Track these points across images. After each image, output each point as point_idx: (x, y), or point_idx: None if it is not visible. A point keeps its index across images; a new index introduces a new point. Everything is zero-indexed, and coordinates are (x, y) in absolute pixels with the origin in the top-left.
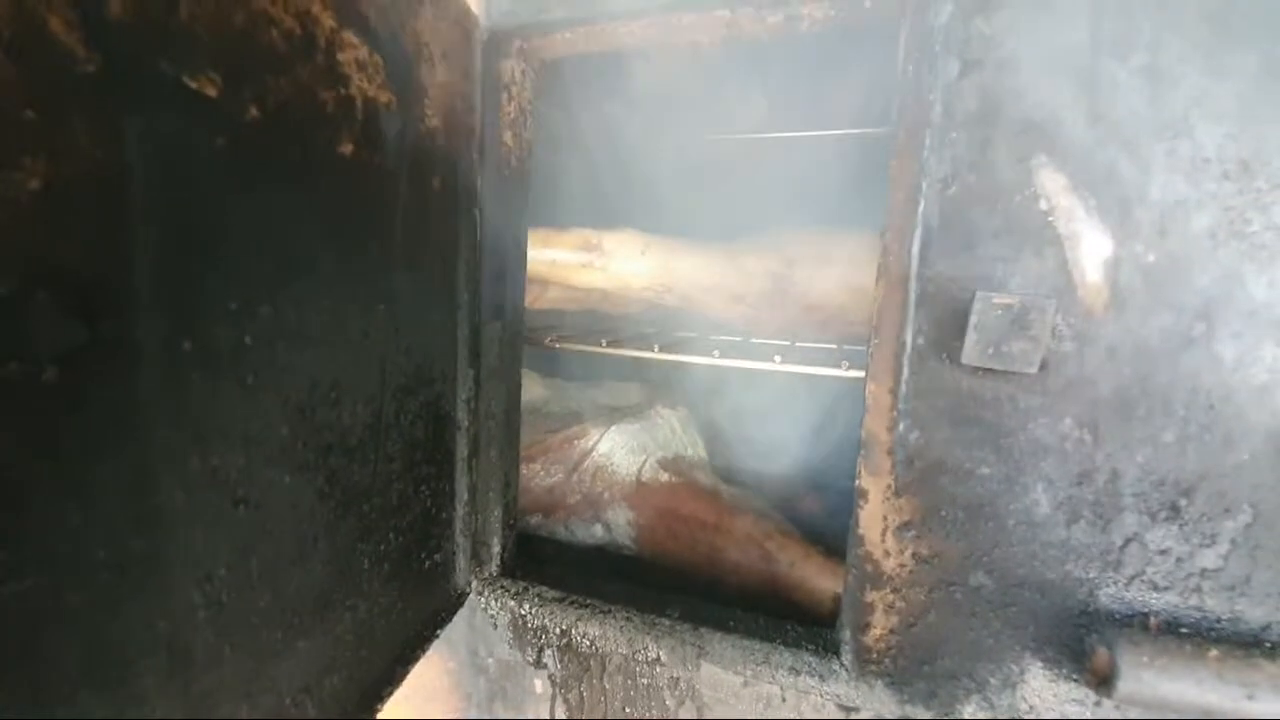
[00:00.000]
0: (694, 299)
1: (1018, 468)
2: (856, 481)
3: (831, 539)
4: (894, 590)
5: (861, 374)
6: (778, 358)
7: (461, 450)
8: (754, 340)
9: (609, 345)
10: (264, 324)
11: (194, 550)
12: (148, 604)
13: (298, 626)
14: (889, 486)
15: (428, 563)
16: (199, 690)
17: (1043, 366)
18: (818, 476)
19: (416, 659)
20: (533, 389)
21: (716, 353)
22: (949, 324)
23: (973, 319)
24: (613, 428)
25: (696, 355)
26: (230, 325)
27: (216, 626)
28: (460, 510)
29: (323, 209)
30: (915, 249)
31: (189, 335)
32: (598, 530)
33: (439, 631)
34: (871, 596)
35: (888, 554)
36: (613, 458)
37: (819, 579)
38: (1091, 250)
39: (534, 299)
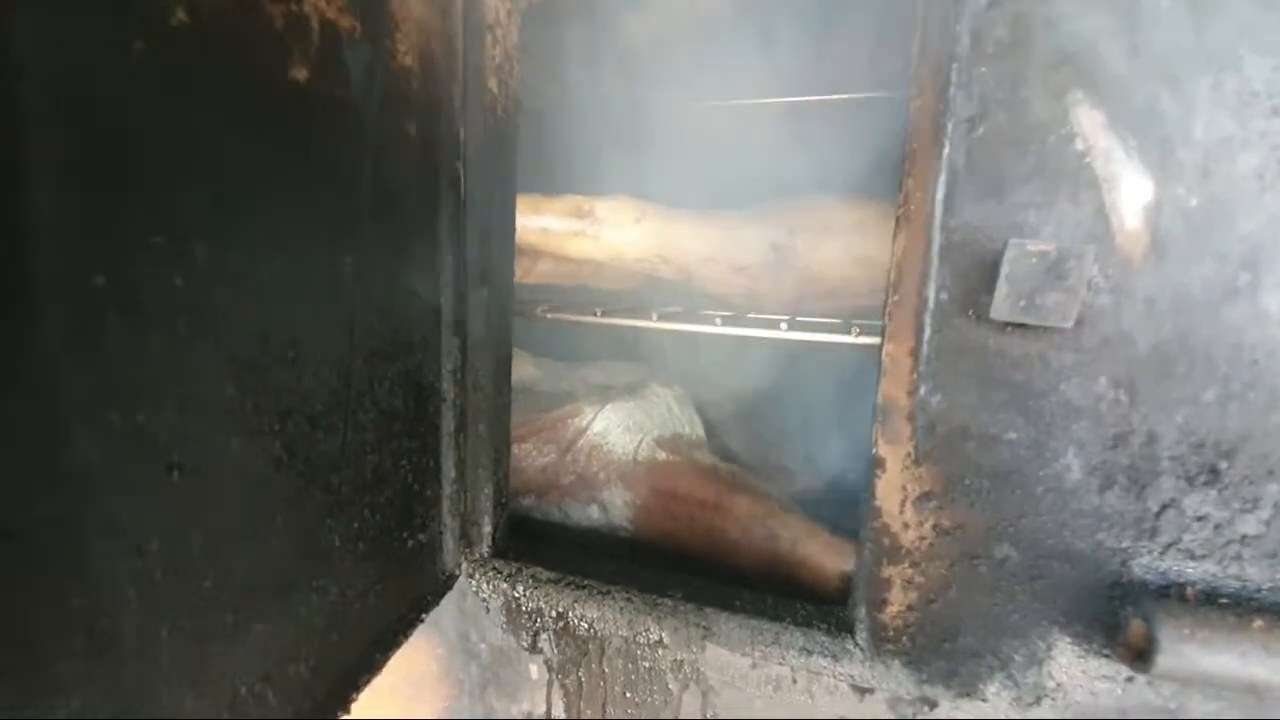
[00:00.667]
0: (692, 270)
1: (1048, 432)
2: (873, 450)
3: (833, 516)
4: (913, 564)
5: (874, 340)
6: (784, 324)
7: (447, 424)
8: (755, 316)
9: (603, 315)
10: (198, 265)
11: (118, 519)
12: (60, 576)
13: (253, 609)
14: (908, 455)
15: (410, 543)
16: (131, 679)
17: (1078, 321)
18: (818, 452)
19: (398, 645)
20: (523, 368)
21: (719, 320)
22: (976, 277)
23: (1004, 269)
24: (607, 406)
25: (697, 324)
26: (155, 262)
27: (149, 607)
28: (447, 488)
29: (272, 141)
30: (939, 195)
31: (101, 269)
32: (594, 511)
33: (424, 616)
34: (889, 571)
35: (906, 526)
36: (608, 437)
37: (824, 557)
38: (1131, 194)
39: (524, 272)
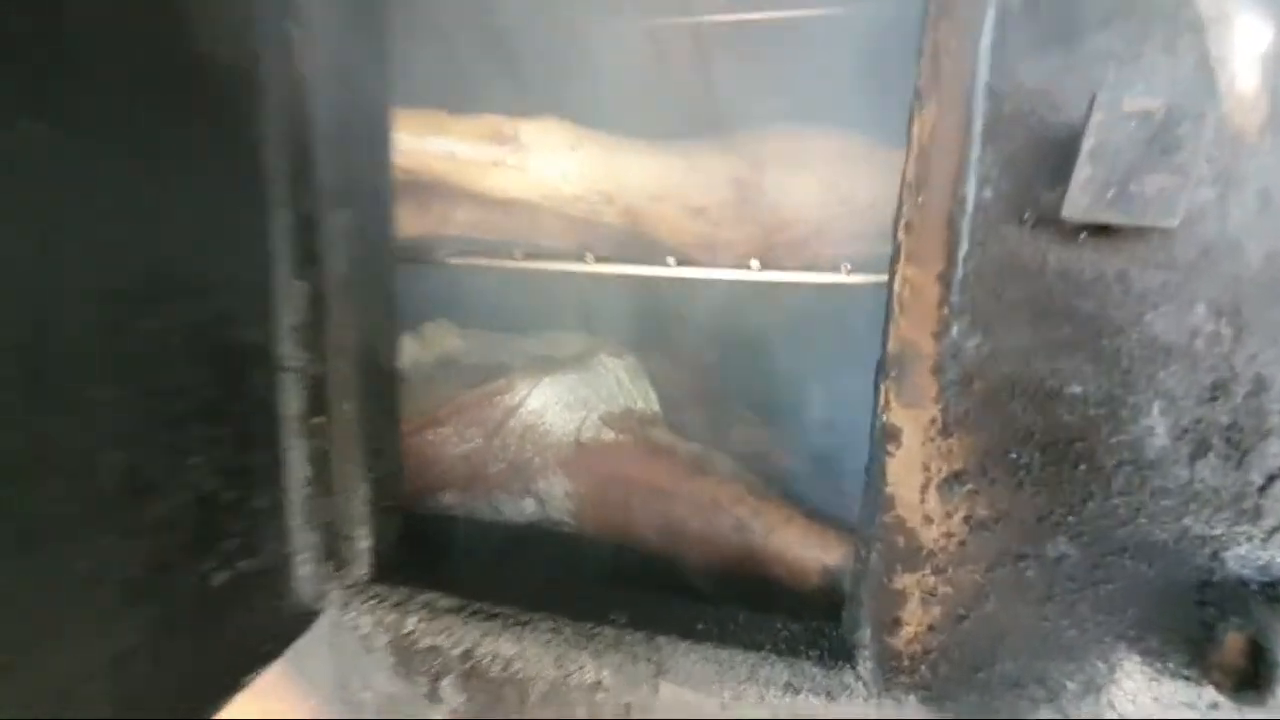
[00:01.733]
0: (641, 213)
1: (1125, 381)
2: (879, 418)
3: (810, 498)
4: (936, 571)
5: (870, 279)
6: (755, 263)
7: (290, 403)
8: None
9: (526, 258)
10: None
11: None
12: None
13: None
14: (933, 421)
15: (220, 576)
16: None
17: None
18: (793, 423)
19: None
20: (446, 339)
21: (672, 260)
22: (1034, 163)
23: (1088, 140)
24: (544, 380)
25: (646, 265)
26: None
27: None
28: (295, 493)
29: None
30: (984, 45)
31: None
32: (528, 505)
33: (251, 677)
34: (904, 581)
35: (929, 520)
36: (545, 416)
37: (802, 548)
38: (1246, 40)
39: (437, 221)
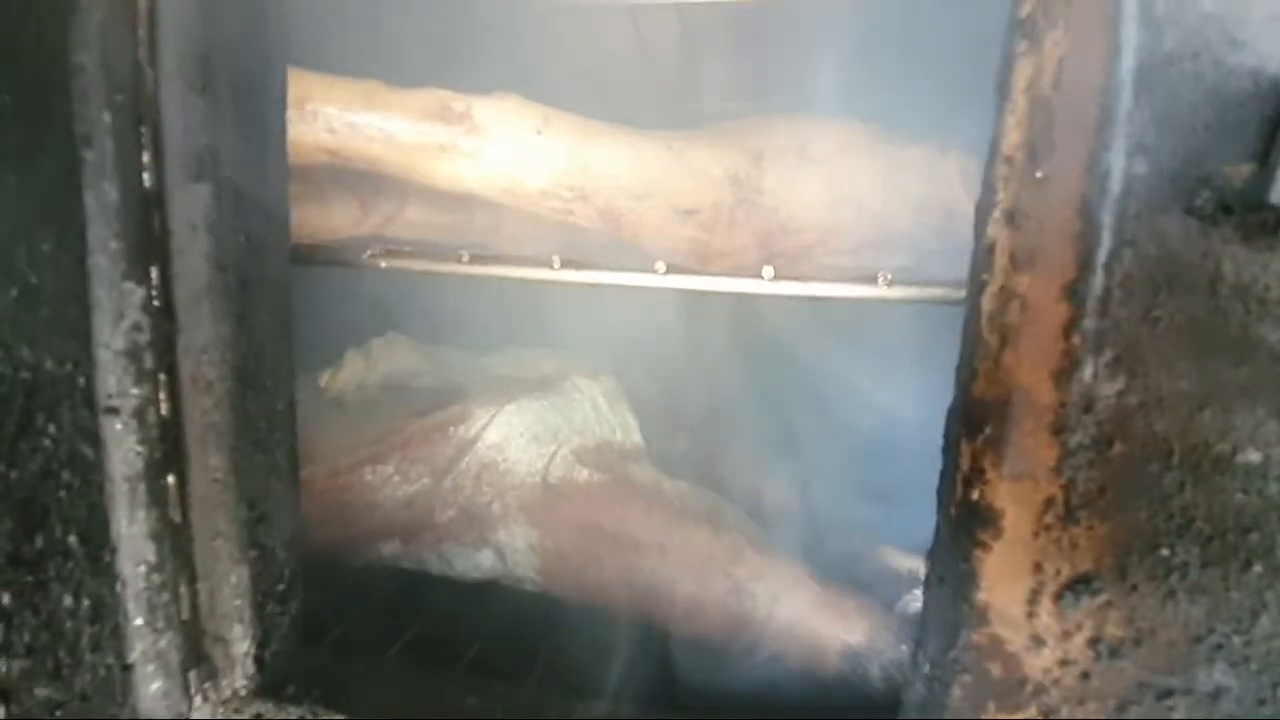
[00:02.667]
0: (620, 214)
1: None
2: (964, 494)
3: (824, 557)
4: (1047, 712)
5: (914, 292)
6: (768, 272)
7: (120, 460)
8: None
9: (473, 261)
10: None
11: None
12: None
13: None
14: (1052, 502)
15: None
16: None
17: None
18: (800, 464)
19: None
20: (399, 357)
21: (661, 267)
22: (1209, 125)
23: None
24: (507, 407)
25: (629, 273)
26: None
27: None
28: (134, 583)
29: None
30: None
31: None
32: (485, 558)
33: None
34: None
35: (1039, 641)
36: (507, 450)
37: (816, 620)
38: None
39: (383, 220)
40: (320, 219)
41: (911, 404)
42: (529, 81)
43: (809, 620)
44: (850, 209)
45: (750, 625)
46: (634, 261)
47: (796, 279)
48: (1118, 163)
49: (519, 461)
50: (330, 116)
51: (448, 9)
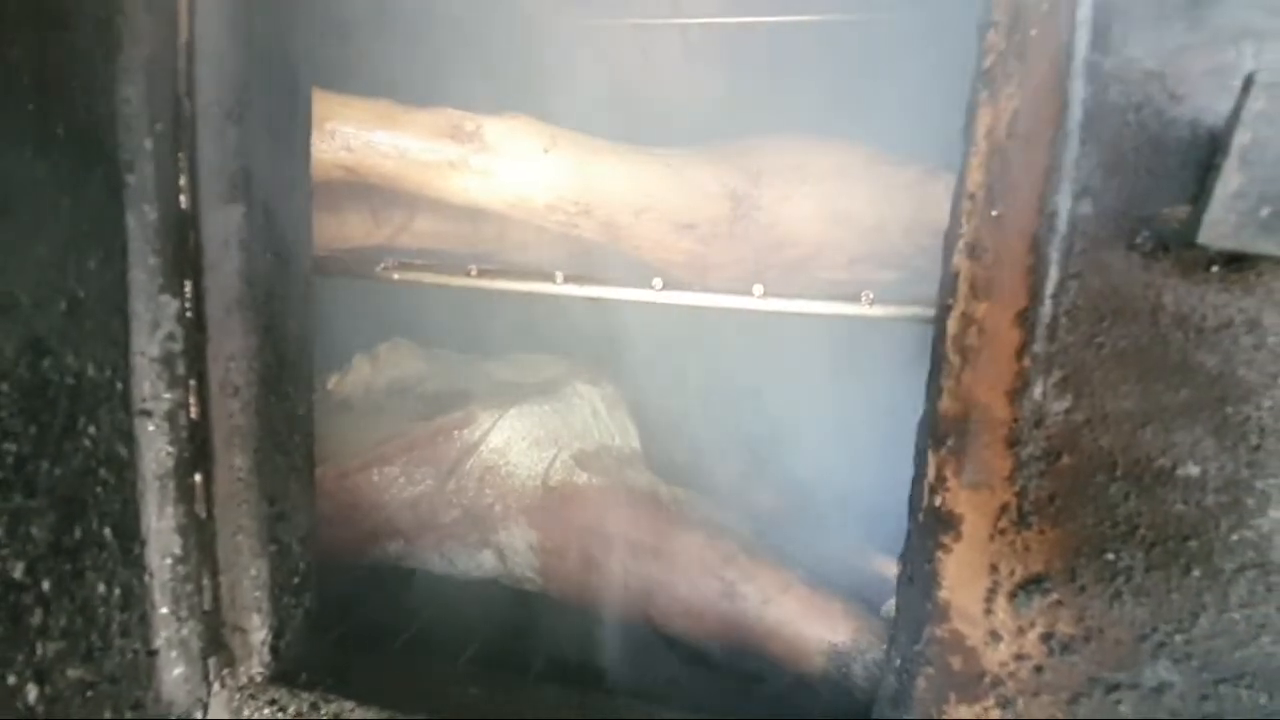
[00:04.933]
0: (622, 228)
1: (1253, 461)
2: (930, 500)
3: (813, 561)
4: (1003, 703)
5: (894, 311)
6: (758, 289)
7: (152, 459)
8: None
9: (481, 275)
10: None
11: None
12: None
13: None
14: (1006, 508)
15: (28, 694)
16: None
17: None
18: (791, 471)
19: None
20: (405, 362)
21: (659, 282)
22: (1149, 168)
23: (1240, 139)
24: (510, 412)
25: (626, 288)
26: None
27: None
28: (161, 574)
29: None
30: (1085, 10)
31: None
32: (486, 558)
33: None
34: (958, 714)
35: (995, 637)
36: (509, 454)
37: (804, 622)
38: None
39: (395, 229)
40: (335, 229)
41: (902, 413)
42: (538, 101)
43: (797, 621)
44: (844, 226)
45: (741, 626)
46: (636, 268)
47: (785, 296)
48: (1065, 204)
49: (520, 465)
50: (348, 135)
51: (462, 30)
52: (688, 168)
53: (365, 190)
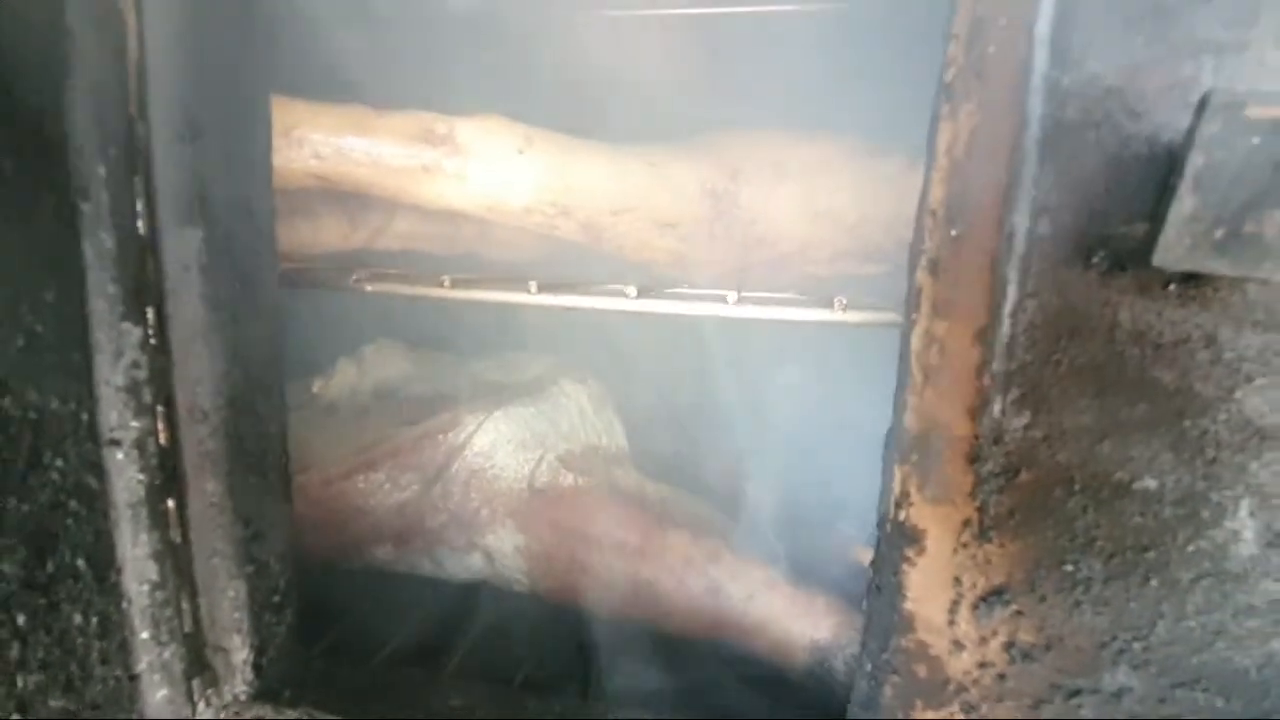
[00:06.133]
0: (602, 228)
1: (1210, 474)
2: (895, 514)
3: (796, 559)
4: (967, 709)
5: (866, 317)
6: (731, 296)
7: (123, 488)
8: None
9: (454, 286)
10: None
11: None
12: None
13: None
14: (968, 523)
15: None
16: None
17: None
18: (766, 460)
19: None
20: (391, 364)
21: (633, 290)
22: (1107, 187)
23: (1194, 161)
24: (496, 414)
25: (599, 297)
26: None
27: None
28: (139, 599)
29: None
30: (1041, 28)
31: None
32: (475, 561)
33: None
34: (925, 719)
35: (959, 646)
36: (495, 457)
37: (788, 618)
38: None
39: (372, 233)
40: (310, 235)
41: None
42: (512, 100)
43: (780, 618)
44: (825, 221)
45: (726, 622)
46: (618, 267)
47: (761, 299)
48: (1023, 223)
49: (506, 467)
50: (317, 142)
51: (430, 29)
52: (666, 165)
53: (340, 194)
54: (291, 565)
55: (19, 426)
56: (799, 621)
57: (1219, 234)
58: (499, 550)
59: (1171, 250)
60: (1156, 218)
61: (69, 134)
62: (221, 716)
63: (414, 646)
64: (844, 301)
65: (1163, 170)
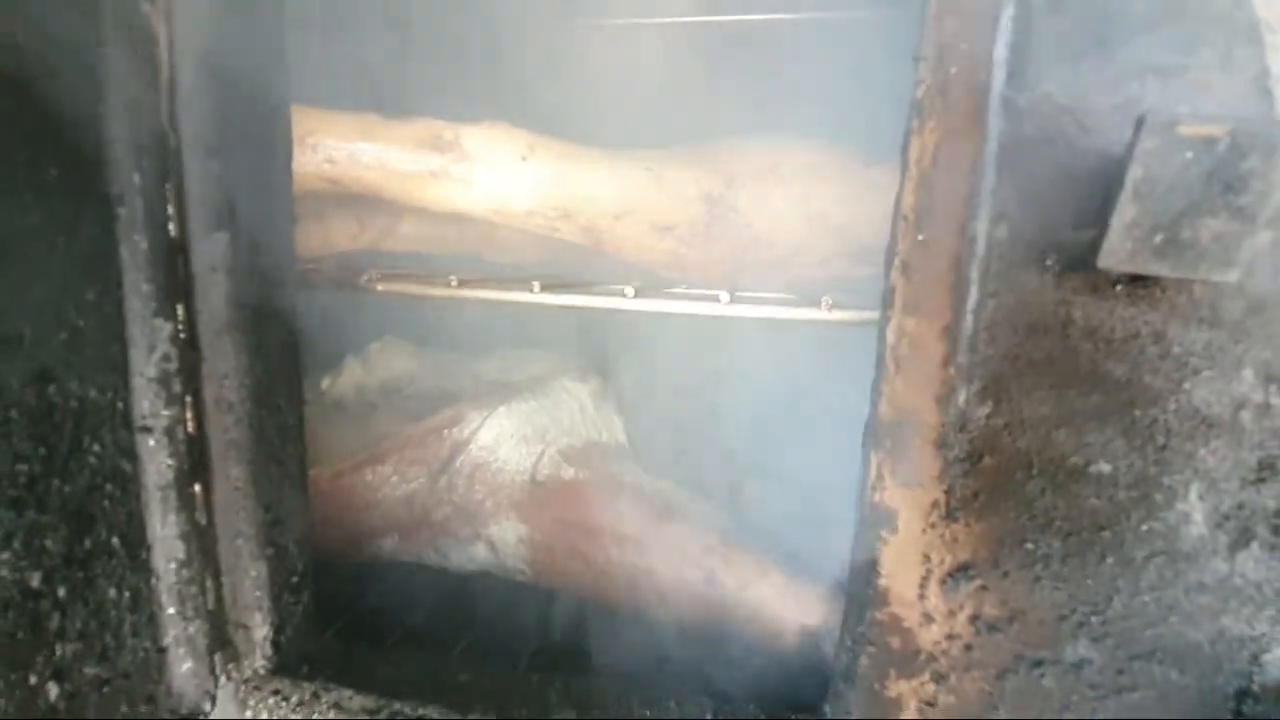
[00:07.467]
0: (602, 231)
1: (1160, 460)
2: (871, 497)
3: (788, 549)
4: (937, 678)
5: (858, 315)
6: (724, 296)
7: (154, 472)
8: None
9: (461, 285)
10: None
11: None
12: None
13: None
14: (936, 504)
15: (49, 692)
16: None
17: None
18: (760, 456)
19: None
20: (395, 362)
21: (630, 290)
22: (1060, 197)
23: (1134, 173)
24: (499, 410)
25: (599, 297)
26: None
27: None
28: (167, 577)
29: None
30: (999, 50)
31: None
32: (479, 551)
33: None
34: (898, 689)
35: (929, 619)
36: (498, 451)
37: (780, 605)
38: None
39: (379, 234)
40: (320, 236)
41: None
42: (517, 108)
43: (773, 605)
44: (817, 225)
45: (722, 610)
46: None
47: (754, 299)
48: (983, 229)
49: (509, 461)
50: (330, 148)
51: (440, 40)
52: (664, 171)
53: (350, 196)
54: (309, 550)
55: (62, 414)
56: (790, 610)
57: (1158, 239)
58: (502, 540)
59: (1115, 254)
60: (1103, 224)
61: (106, 145)
62: (242, 688)
63: (423, 630)
64: (830, 301)
65: (1111, 181)
